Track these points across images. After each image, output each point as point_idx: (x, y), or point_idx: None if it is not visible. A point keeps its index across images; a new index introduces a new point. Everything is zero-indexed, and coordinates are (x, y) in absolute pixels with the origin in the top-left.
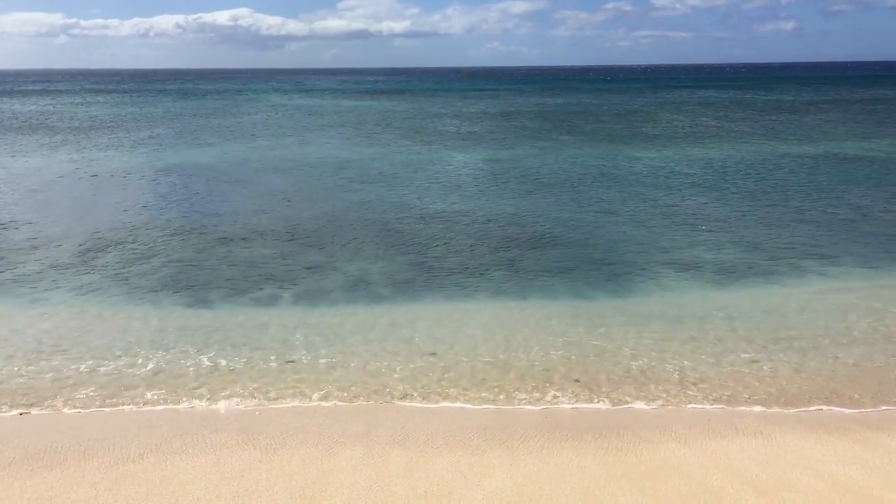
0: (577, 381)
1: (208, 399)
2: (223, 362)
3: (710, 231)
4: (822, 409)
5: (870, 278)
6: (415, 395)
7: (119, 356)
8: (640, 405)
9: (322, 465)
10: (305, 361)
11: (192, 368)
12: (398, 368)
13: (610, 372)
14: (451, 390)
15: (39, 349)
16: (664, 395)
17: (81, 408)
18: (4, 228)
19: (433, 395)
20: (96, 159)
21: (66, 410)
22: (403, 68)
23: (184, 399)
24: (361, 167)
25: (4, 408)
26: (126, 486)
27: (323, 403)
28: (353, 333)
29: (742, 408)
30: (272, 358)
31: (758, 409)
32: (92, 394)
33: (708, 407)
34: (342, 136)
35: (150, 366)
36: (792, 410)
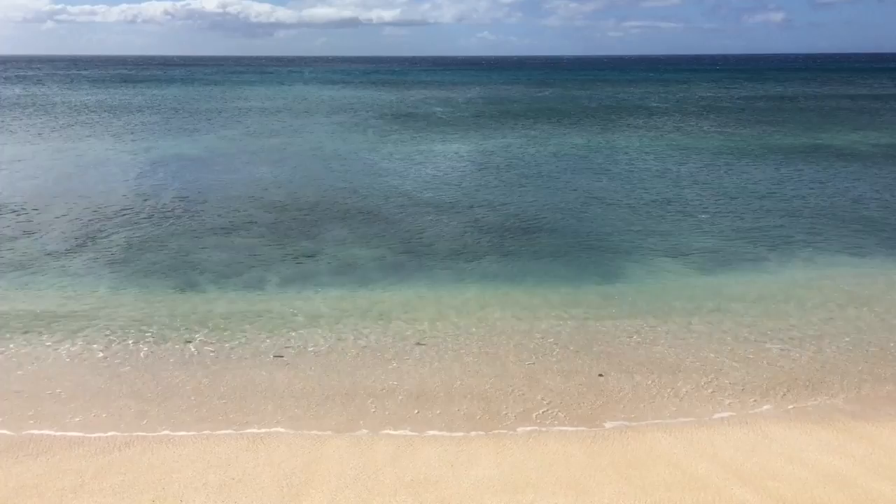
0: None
1: (195, 387)
2: (210, 349)
3: (699, 219)
4: (805, 397)
5: (855, 266)
6: (402, 384)
7: (106, 341)
8: (623, 393)
9: (309, 454)
10: (293, 349)
11: (180, 354)
12: (386, 358)
13: (595, 357)
14: (438, 380)
15: (26, 334)
16: (645, 381)
17: (67, 395)
18: None
19: (420, 385)
20: (84, 146)
21: (51, 399)
22: (393, 57)
23: (171, 386)
24: (351, 156)
25: None
26: (112, 473)
27: (310, 392)
28: (341, 321)
29: (727, 397)
30: (260, 345)
31: (743, 397)
32: (78, 380)
33: (693, 396)
34: (331, 124)
35: (137, 352)
36: (775, 396)
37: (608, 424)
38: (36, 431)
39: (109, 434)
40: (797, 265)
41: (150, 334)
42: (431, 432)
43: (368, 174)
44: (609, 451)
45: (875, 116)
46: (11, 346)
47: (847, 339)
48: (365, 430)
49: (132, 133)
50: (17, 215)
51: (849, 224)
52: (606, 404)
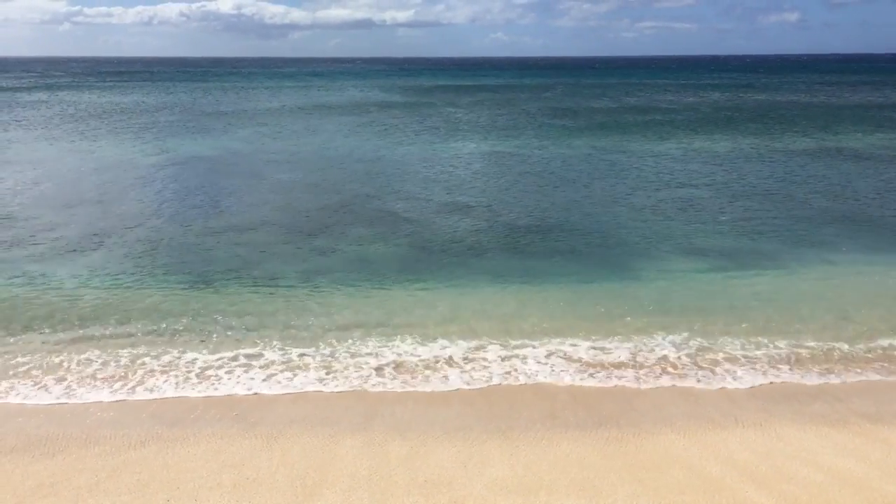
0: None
1: (211, 386)
2: (225, 348)
3: (712, 219)
4: (820, 399)
5: (869, 266)
6: (415, 382)
7: (121, 341)
8: (633, 385)
9: (322, 454)
10: (308, 348)
11: (195, 354)
12: (400, 353)
13: (609, 357)
14: (452, 378)
15: (35, 329)
16: (660, 381)
17: (82, 393)
18: (9, 215)
19: (434, 384)
20: (101, 146)
21: (66, 397)
22: (407, 58)
23: (186, 386)
24: (365, 156)
25: (5, 393)
26: (127, 473)
27: (324, 390)
28: (355, 318)
29: (742, 398)
30: (273, 345)
31: (757, 399)
32: (93, 379)
33: (707, 397)
34: (345, 124)
35: (153, 352)
36: (790, 398)
37: (622, 426)
38: (52, 431)
39: (124, 434)
40: (811, 265)
41: (163, 331)
42: (445, 432)
43: (383, 174)
44: (622, 453)
45: (890, 117)
46: (19, 340)
47: (861, 339)
48: (378, 430)
49: (148, 134)
50: (35, 215)
51: (863, 224)
52: (620, 405)
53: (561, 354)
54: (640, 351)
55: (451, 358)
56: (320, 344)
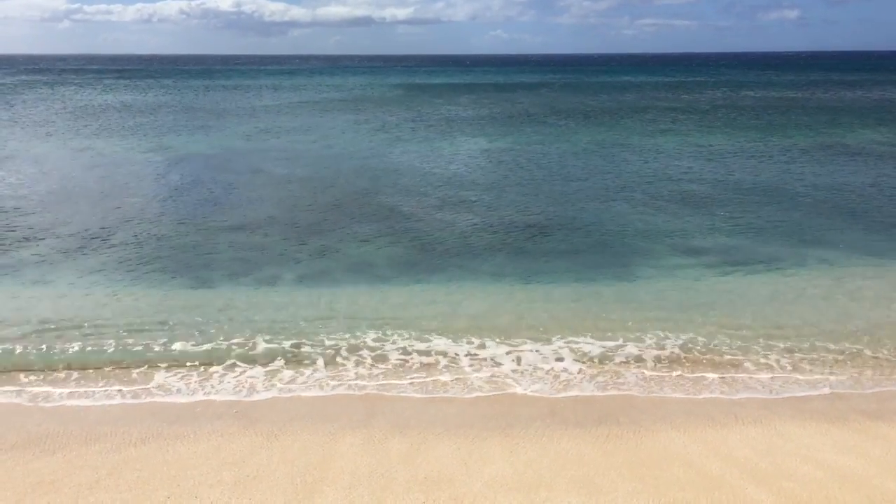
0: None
1: (211, 385)
2: (224, 347)
3: (712, 218)
4: (820, 396)
5: (870, 264)
6: (414, 381)
7: (120, 339)
8: (637, 392)
9: (323, 451)
10: (307, 346)
11: (193, 353)
12: (399, 354)
13: (609, 356)
14: (452, 376)
15: (41, 330)
16: (659, 380)
17: (83, 391)
18: (7, 213)
19: (434, 382)
20: (100, 145)
21: (67, 395)
22: (407, 55)
23: (186, 384)
24: (364, 154)
25: (7, 391)
26: (128, 470)
27: (324, 388)
28: (354, 318)
29: (741, 396)
30: (274, 343)
31: (757, 396)
32: (94, 377)
33: (707, 395)
34: (345, 122)
35: (153, 350)
36: (790, 396)
37: (622, 423)
38: (52, 429)
39: (125, 431)
40: (811, 263)
41: (164, 330)
42: (445, 429)
43: (382, 172)
44: (623, 450)
45: (891, 114)
46: (23, 340)
47: (862, 337)
48: (378, 427)
49: (148, 132)
50: (34, 213)
51: (863, 222)
52: (620, 403)
53: (563, 355)
54: (640, 350)
55: (451, 355)
56: (321, 341)
